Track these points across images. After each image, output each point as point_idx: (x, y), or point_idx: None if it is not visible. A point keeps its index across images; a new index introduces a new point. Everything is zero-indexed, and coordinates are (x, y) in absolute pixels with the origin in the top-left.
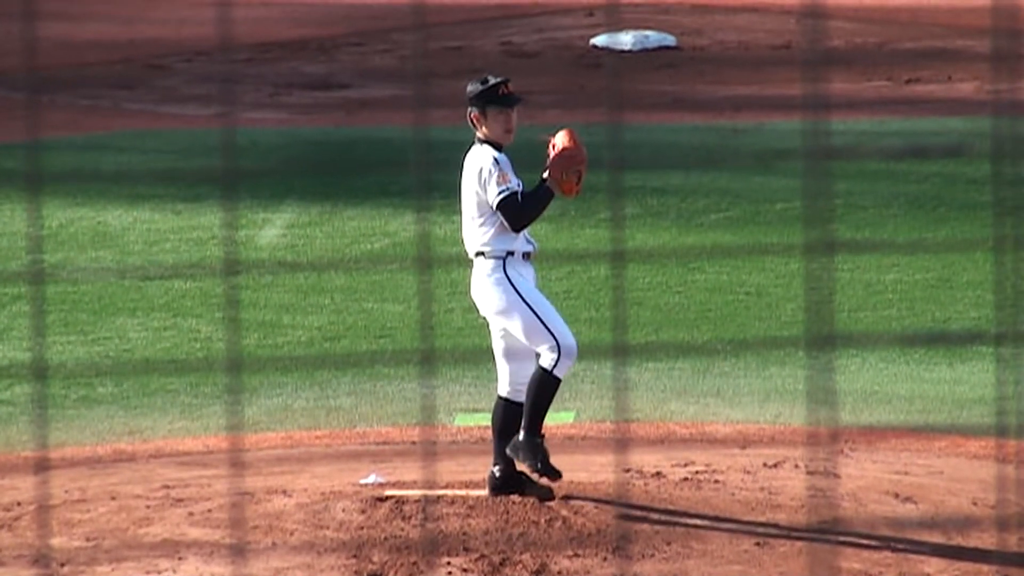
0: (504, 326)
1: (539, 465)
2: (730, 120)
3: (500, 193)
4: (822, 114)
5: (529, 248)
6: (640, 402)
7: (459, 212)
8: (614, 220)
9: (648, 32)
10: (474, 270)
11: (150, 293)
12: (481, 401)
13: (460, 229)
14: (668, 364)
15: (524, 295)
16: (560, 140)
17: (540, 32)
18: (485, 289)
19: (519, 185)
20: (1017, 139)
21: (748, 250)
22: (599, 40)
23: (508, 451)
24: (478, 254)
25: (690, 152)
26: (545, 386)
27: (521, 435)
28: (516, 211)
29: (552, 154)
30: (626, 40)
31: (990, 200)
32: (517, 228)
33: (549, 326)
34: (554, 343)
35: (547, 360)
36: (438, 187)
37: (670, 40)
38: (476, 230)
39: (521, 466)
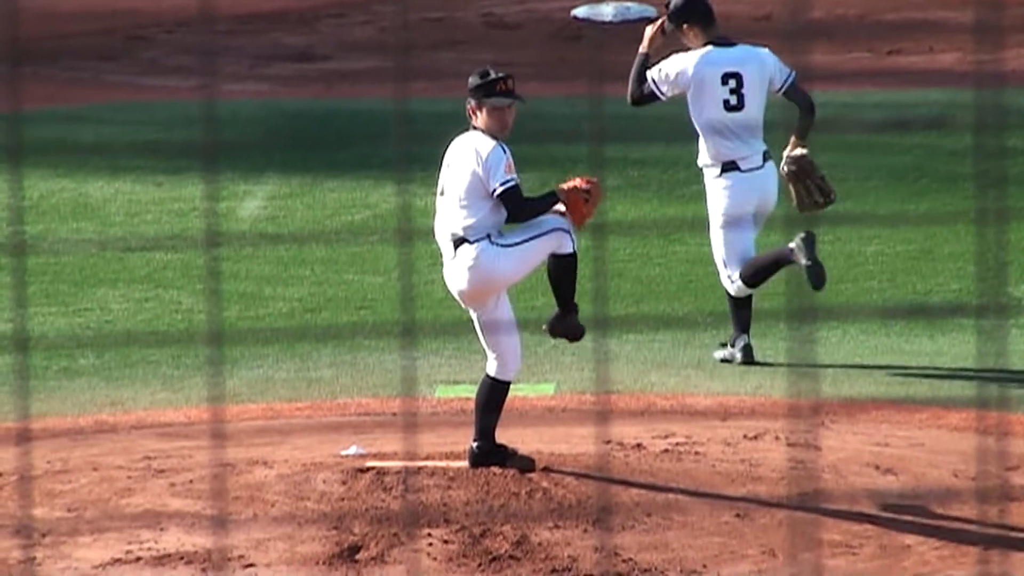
0: (523, 273)
1: (578, 332)
2: None
3: (507, 182)
4: (803, 85)
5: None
6: (621, 374)
7: (438, 194)
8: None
9: (629, 4)
10: (457, 260)
11: (131, 265)
12: (462, 373)
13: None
14: (649, 336)
15: (516, 241)
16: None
17: (521, 3)
18: (481, 269)
19: None
20: (999, 110)
21: None
22: (580, 12)
23: (547, 332)
24: (460, 240)
25: (671, 124)
26: (570, 267)
27: (557, 312)
28: (520, 203)
29: (575, 189)
30: (607, 12)
31: (972, 172)
32: (517, 219)
33: (541, 232)
34: (560, 232)
35: (567, 247)
36: (419, 159)
37: (651, 12)
38: (458, 212)
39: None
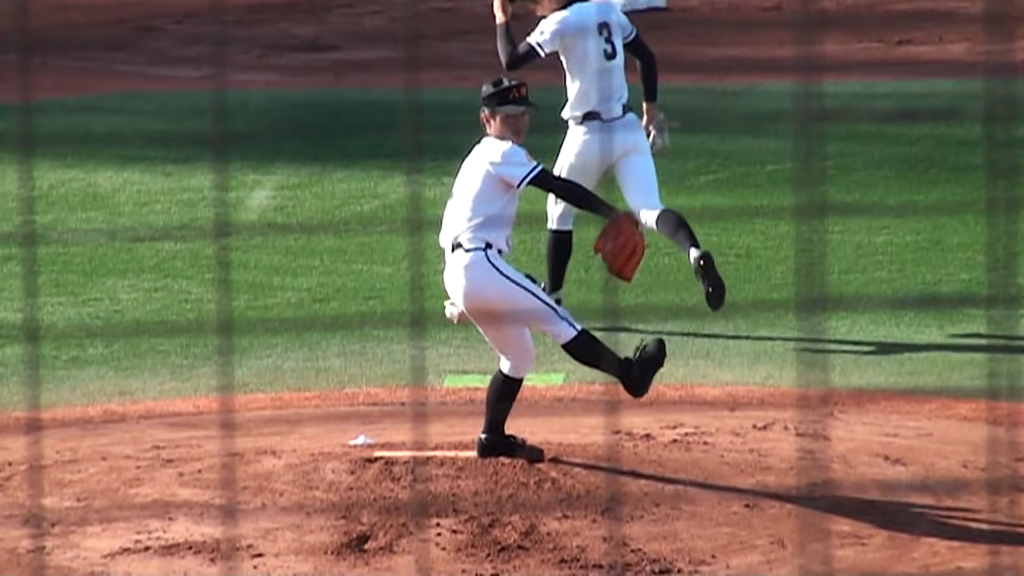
0: (495, 315)
1: (653, 359)
2: (720, 82)
3: (533, 168)
4: (813, 76)
5: (505, 248)
6: None
7: (450, 195)
8: (604, 181)
9: None
10: (450, 264)
11: (140, 254)
12: (471, 362)
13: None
14: (658, 326)
15: (514, 279)
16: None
17: None
18: (463, 281)
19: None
20: (1009, 101)
21: (738, 212)
22: None
23: (636, 393)
24: (456, 246)
25: (680, 114)
26: (588, 343)
27: (624, 378)
28: (556, 180)
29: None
30: (616, 2)
31: (982, 162)
32: (564, 196)
33: (542, 298)
34: (555, 315)
35: (565, 332)
36: (428, 149)
37: (660, 1)
38: (461, 216)
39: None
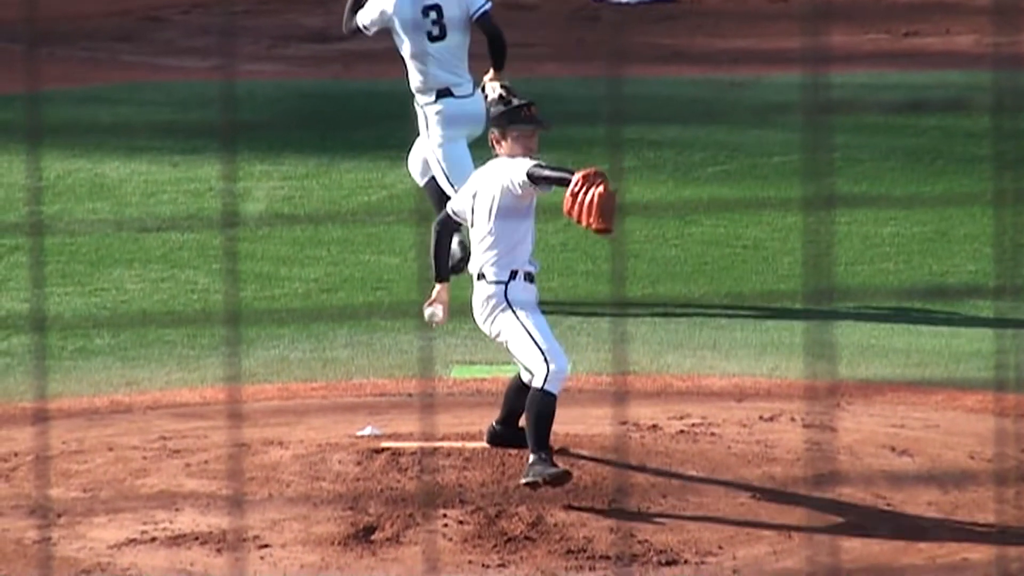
0: (502, 343)
1: (548, 478)
2: (728, 73)
3: (536, 164)
4: (820, 67)
5: (531, 269)
6: (637, 355)
7: (470, 225)
8: (611, 173)
9: None
10: (475, 291)
11: (147, 245)
12: (477, 353)
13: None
14: (665, 317)
15: (520, 316)
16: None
17: None
18: (485, 312)
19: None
20: (1016, 92)
21: (745, 203)
22: None
23: (525, 480)
24: (480, 276)
25: (687, 105)
26: (542, 404)
27: (531, 456)
28: (546, 170)
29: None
30: None
31: (989, 154)
32: (542, 182)
33: (540, 345)
34: (543, 361)
35: (538, 378)
36: None
37: None
38: (484, 244)
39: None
